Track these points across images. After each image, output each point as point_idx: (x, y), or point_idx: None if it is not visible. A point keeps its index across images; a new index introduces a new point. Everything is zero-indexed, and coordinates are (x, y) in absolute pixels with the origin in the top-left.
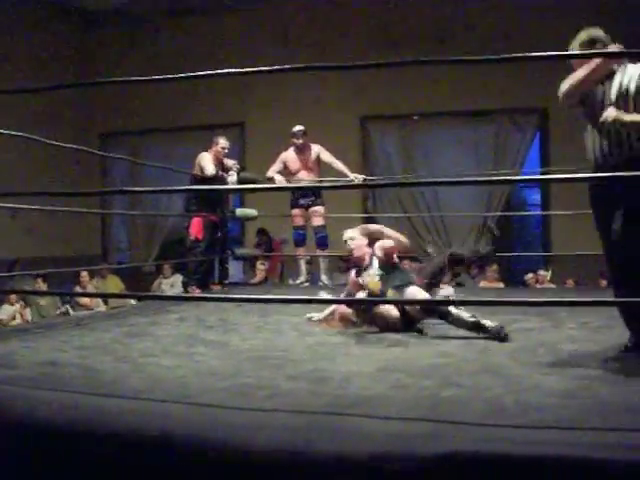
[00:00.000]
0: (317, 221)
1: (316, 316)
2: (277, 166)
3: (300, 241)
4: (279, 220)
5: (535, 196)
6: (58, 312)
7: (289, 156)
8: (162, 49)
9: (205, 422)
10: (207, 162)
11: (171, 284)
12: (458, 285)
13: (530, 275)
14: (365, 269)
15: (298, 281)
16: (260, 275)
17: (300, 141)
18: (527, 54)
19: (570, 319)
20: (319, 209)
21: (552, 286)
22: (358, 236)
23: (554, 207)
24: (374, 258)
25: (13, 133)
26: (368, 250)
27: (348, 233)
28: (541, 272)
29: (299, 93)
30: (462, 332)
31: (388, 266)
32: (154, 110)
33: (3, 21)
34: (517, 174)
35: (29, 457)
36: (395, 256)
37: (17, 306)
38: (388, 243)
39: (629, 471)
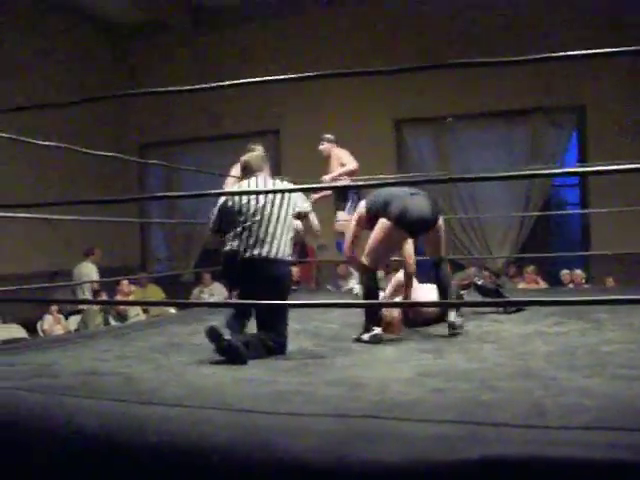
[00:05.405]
0: (337, 228)
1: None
2: None
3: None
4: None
5: (574, 196)
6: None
7: None
8: (199, 59)
9: (244, 428)
10: None
11: (211, 292)
12: (498, 287)
13: (566, 271)
14: None
15: (352, 287)
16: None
17: (320, 147)
18: (559, 54)
19: (611, 321)
20: (339, 214)
21: (586, 286)
22: None
23: (593, 206)
24: None
25: (51, 144)
26: None
27: None
28: (577, 271)
29: (334, 99)
30: (494, 336)
31: None
32: (192, 120)
33: (45, 40)
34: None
35: (69, 465)
36: None
37: (59, 317)
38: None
39: None
